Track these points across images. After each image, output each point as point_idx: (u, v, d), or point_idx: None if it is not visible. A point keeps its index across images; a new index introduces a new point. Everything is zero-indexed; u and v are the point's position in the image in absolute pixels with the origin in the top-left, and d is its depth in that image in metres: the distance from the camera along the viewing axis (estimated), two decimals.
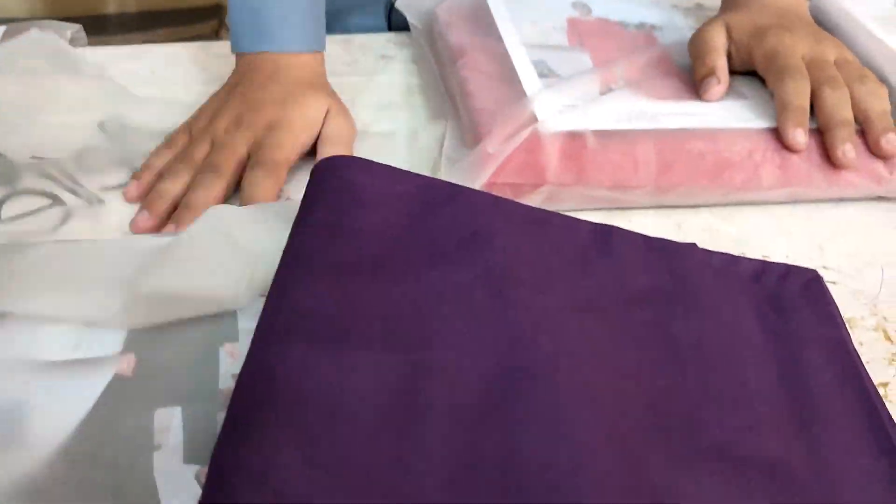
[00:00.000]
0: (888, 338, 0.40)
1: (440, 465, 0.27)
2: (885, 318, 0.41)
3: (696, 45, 0.55)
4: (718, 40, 0.54)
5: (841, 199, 0.50)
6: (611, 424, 0.31)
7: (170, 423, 0.33)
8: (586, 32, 0.60)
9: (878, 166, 0.49)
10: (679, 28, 0.62)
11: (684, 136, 0.49)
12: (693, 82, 0.54)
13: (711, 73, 0.52)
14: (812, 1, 0.61)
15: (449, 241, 0.36)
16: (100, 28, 0.80)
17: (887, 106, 0.51)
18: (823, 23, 0.61)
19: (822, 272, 0.42)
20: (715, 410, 0.34)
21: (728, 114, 0.51)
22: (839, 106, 0.49)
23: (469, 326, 0.32)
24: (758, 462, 0.32)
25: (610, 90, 0.52)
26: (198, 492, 0.31)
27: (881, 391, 0.37)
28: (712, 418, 0.33)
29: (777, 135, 0.49)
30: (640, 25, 0.62)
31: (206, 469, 0.27)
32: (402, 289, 0.33)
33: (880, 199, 0.50)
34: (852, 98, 0.50)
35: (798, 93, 0.49)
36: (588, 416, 0.30)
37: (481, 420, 0.29)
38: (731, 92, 0.53)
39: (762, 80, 0.54)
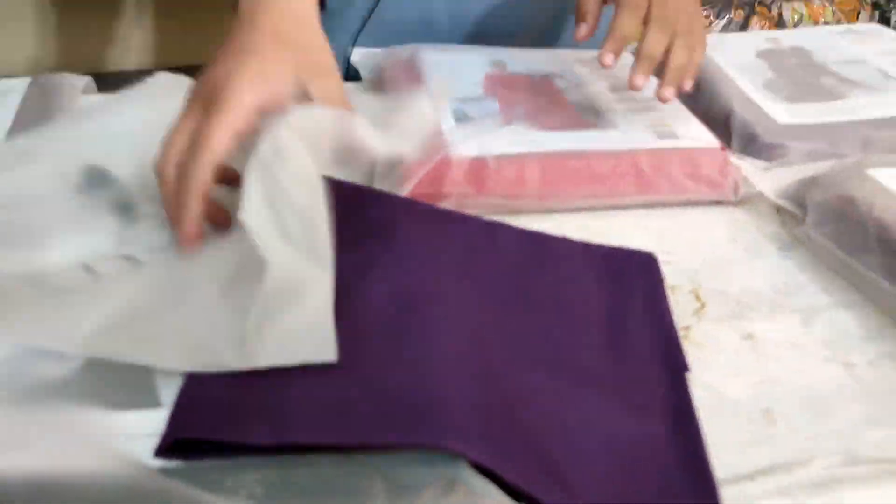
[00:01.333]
0: (698, 298, 0.55)
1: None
2: (699, 286, 0.56)
3: None
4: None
5: (687, 203, 0.65)
6: (472, 339, 0.45)
7: None
8: (499, 84, 0.75)
9: (715, 177, 0.64)
10: (576, 74, 0.78)
11: (564, 157, 0.64)
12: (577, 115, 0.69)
13: (583, 18, 0.69)
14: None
15: (367, 222, 0.51)
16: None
17: (694, 60, 0.66)
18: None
19: (661, 255, 0.57)
20: (550, 339, 0.48)
21: (599, 141, 0.66)
22: (651, 43, 0.64)
23: (376, 274, 0.47)
24: (575, 366, 0.46)
25: (510, 124, 0.68)
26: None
27: (684, 333, 0.51)
28: (548, 343, 0.48)
29: (634, 155, 0.64)
30: (545, 75, 0.77)
31: None
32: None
33: (717, 203, 0.65)
34: (670, 44, 0.65)
35: (622, 25, 0.65)
36: (455, 333, 0.44)
37: (379, 328, 0.43)
38: (603, 123, 0.69)
39: (632, 115, 0.69)
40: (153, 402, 0.42)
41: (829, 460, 0.41)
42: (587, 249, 0.56)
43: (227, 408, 0.40)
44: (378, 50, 0.83)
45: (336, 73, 0.55)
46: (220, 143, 0.46)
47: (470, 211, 0.60)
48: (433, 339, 0.43)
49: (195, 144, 0.47)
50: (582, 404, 0.43)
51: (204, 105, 0.48)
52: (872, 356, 0.49)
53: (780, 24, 1.82)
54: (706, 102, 0.74)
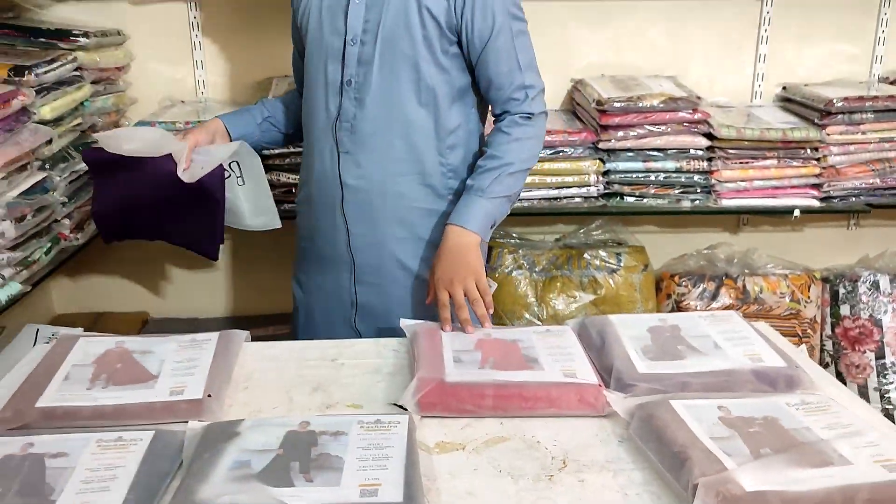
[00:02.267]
0: (564, 462, 1.04)
1: None
2: (566, 453, 1.05)
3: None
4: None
5: (575, 416, 1.15)
6: None
7: None
8: (484, 344, 1.30)
9: (593, 402, 1.15)
10: (533, 336, 1.32)
11: (511, 386, 1.16)
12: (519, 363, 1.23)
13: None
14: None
15: None
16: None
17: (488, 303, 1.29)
18: (598, 331, 1.30)
19: (550, 441, 1.07)
20: None
21: (531, 377, 1.19)
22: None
23: None
24: None
25: (485, 366, 1.21)
26: None
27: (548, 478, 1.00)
28: None
29: (548, 387, 1.16)
30: (514, 339, 1.32)
31: None
32: None
33: (593, 416, 1.15)
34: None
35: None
36: None
37: None
38: (538, 367, 1.21)
39: (553, 362, 1.22)
40: None
41: None
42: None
43: None
44: None
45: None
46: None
47: (448, 413, 1.12)
48: None
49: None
50: None
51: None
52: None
53: (744, 293, 2.34)
54: (605, 358, 1.27)
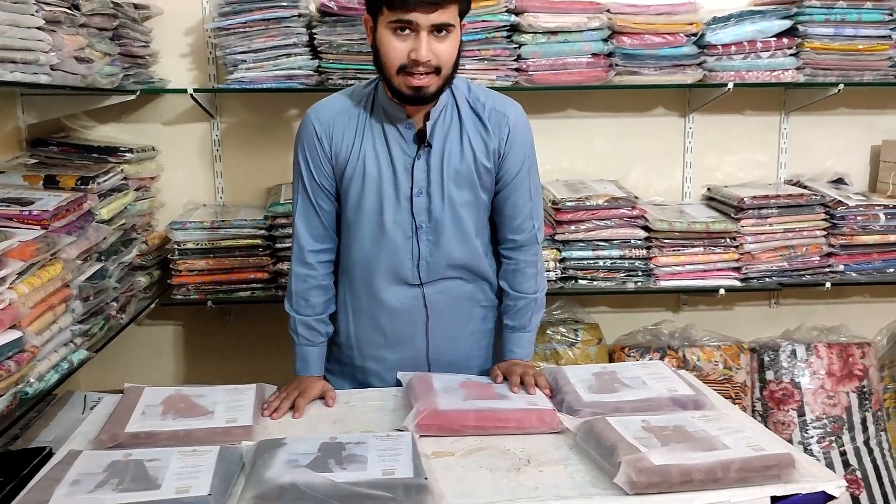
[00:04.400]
0: (526, 461, 1.40)
1: None
2: (529, 457, 1.41)
3: None
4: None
5: (537, 433, 1.51)
6: None
7: None
8: (467, 384, 1.67)
9: (550, 421, 1.52)
10: (503, 385, 1.69)
11: (488, 411, 1.53)
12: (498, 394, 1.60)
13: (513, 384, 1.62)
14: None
15: None
16: None
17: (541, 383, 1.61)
18: (553, 376, 1.69)
19: (519, 451, 1.43)
20: None
21: (501, 405, 1.55)
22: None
23: None
24: None
25: (468, 398, 1.58)
26: None
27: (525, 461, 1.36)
28: None
29: (516, 412, 1.53)
30: (487, 382, 1.69)
31: None
32: None
33: (550, 432, 1.52)
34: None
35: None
36: None
37: None
38: (503, 398, 1.58)
39: (518, 397, 1.60)
40: None
41: None
42: None
43: None
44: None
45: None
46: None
47: (439, 433, 1.48)
48: None
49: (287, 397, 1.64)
50: None
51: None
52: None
53: (685, 362, 2.73)
54: (558, 394, 1.64)
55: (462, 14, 1.60)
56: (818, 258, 2.64)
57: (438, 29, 1.53)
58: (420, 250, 1.72)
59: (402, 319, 1.78)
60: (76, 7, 1.99)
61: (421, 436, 1.49)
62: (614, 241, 2.57)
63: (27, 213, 1.75)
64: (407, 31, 1.54)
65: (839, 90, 2.55)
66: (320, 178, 1.73)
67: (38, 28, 1.75)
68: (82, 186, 2.05)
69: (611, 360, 2.77)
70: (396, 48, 1.55)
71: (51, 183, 2.04)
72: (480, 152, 1.69)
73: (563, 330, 2.71)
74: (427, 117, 1.67)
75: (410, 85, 1.56)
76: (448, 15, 1.53)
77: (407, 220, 1.70)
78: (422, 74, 1.55)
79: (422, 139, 1.67)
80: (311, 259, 1.78)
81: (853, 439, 2.69)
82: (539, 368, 1.77)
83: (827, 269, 2.65)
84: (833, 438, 2.68)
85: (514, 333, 1.82)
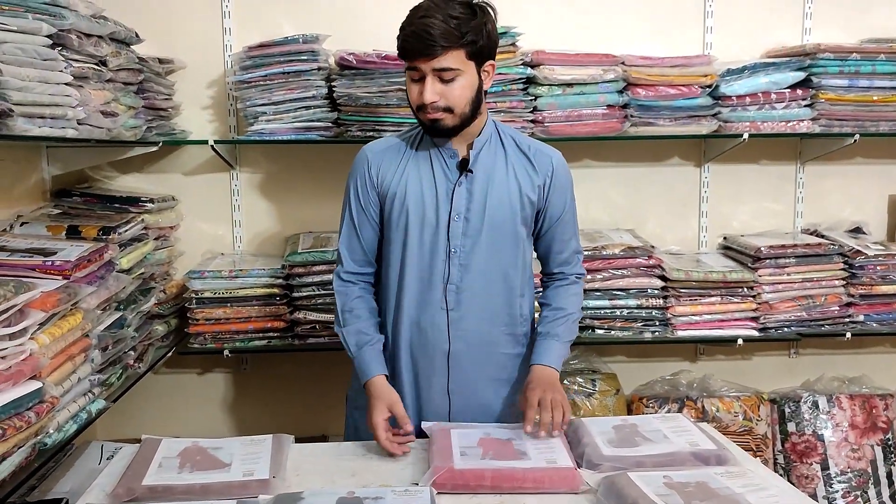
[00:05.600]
0: None
1: None
2: None
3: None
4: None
5: (557, 492, 1.49)
6: None
7: None
8: (485, 442, 1.65)
9: (571, 482, 1.50)
10: (523, 437, 1.67)
11: (505, 470, 1.51)
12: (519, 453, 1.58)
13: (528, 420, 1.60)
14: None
15: None
16: None
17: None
18: (574, 429, 1.67)
19: None
20: None
21: (521, 464, 1.54)
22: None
23: None
24: None
25: (486, 457, 1.56)
26: None
27: None
28: None
29: (535, 471, 1.51)
30: (508, 438, 1.67)
31: None
32: None
33: (571, 492, 1.49)
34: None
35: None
36: None
37: None
38: (525, 457, 1.56)
39: (538, 453, 1.58)
40: None
41: None
42: None
43: None
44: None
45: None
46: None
47: (454, 490, 1.46)
48: None
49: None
50: None
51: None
52: None
53: (703, 412, 2.70)
54: (578, 447, 1.62)
55: (477, 56, 1.68)
56: (837, 308, 2.62)
57: (443, 72, 1.64)
58: (450, 274, 1.76)
59: (427, 346, 1.80)
60: (104, 63, 2.03)
61: (438, 493, 1.47)
62: (631, 291, 2.57)
63: (49, 263, 1.77)
64: (418, 76, 1.68)
65: (855, 140, 2.56)
66: (366, 205, 1.82)
67: (67, 84, 1.79)
68: (104, 237, 2.08)
69: (629, 411, 2.74)
70: (412, 90, 1.70)
71: (73, 233, 2.06)
72: (526, 184, 1.78)
73: (581, 380, 2.69)
74: (471, 146, 1.76)
75: (425, 120, 1.71)
76: (450, 60, 1.64)
77: (443, 242, 1.76)
78: (433, 111, 1.68)
79: (464, 166, 1.75)
80: (350, 278, 1.85)
81: (879, 494, 2.63)
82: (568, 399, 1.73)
83: (847, 319, 2.63)
84: (858, 493, 2.63)
85: (543, 339, 1.81)
